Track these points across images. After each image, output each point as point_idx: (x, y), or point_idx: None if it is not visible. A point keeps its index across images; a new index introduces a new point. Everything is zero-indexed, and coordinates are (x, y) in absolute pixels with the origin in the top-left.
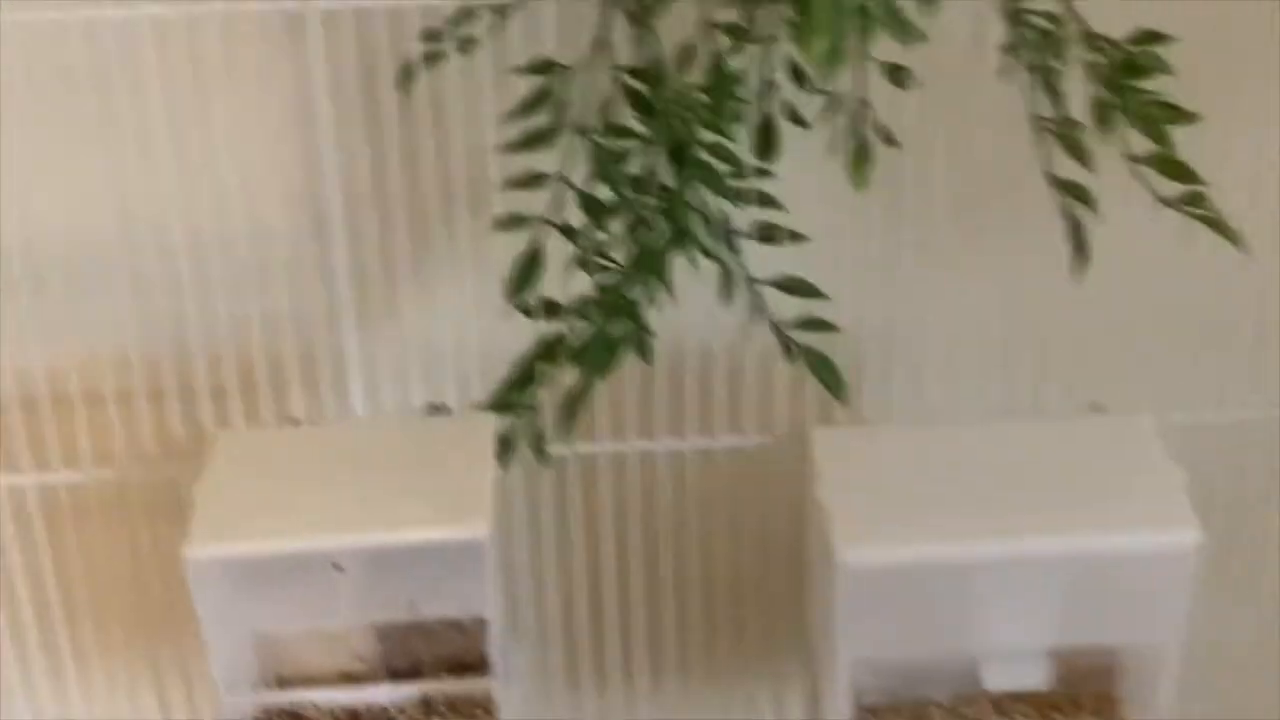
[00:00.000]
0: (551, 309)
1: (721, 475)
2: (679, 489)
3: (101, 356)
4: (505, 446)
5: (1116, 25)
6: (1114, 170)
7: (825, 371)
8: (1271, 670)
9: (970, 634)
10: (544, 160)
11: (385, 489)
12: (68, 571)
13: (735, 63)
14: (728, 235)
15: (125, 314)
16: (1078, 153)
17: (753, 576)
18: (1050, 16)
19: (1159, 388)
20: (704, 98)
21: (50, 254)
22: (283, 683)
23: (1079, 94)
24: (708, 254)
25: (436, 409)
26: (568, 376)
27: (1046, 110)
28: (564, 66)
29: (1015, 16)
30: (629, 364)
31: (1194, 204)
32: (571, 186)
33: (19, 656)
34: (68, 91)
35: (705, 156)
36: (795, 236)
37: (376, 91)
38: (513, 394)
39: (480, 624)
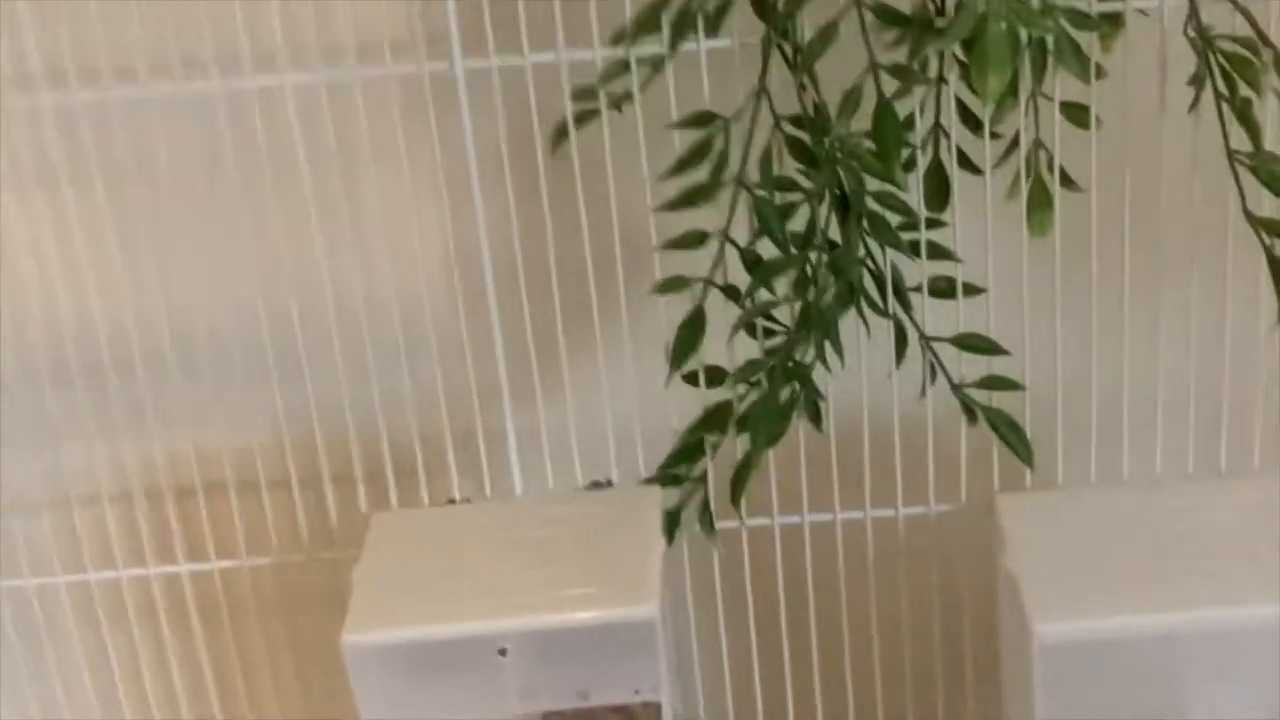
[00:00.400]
0: (716, 376)
1: (902, 547)
2: (858, 562)
3: (254, 442)
4: (672, 521)
5: None
6: None
7: (1010, 434)
8: None
9: (1179, 711)
10: (704, 218)
11: (549, 569)
12: (225, 664)
13: (902, 107)
14: (900, 291)
15: (276, 397)
16: (1276, 187)
17: (939, 655)
18: (1243, 41)
19: None
20: (870, 145)
21: (199, 336)
22: None
23: (1274, 125)
24: (879, 311)
25: (599, 485)
26: (736, 447)
27: (1241, 144)
28: (722, 118)
29: (1206, 45)
30: (801, 432)
31: None
32: (734, 245)
33: None
34: (213, 166)
35: (873, 206)
36: (972, 290)
37: (528, 154)
38: (679, 466)
39: (652, 710)
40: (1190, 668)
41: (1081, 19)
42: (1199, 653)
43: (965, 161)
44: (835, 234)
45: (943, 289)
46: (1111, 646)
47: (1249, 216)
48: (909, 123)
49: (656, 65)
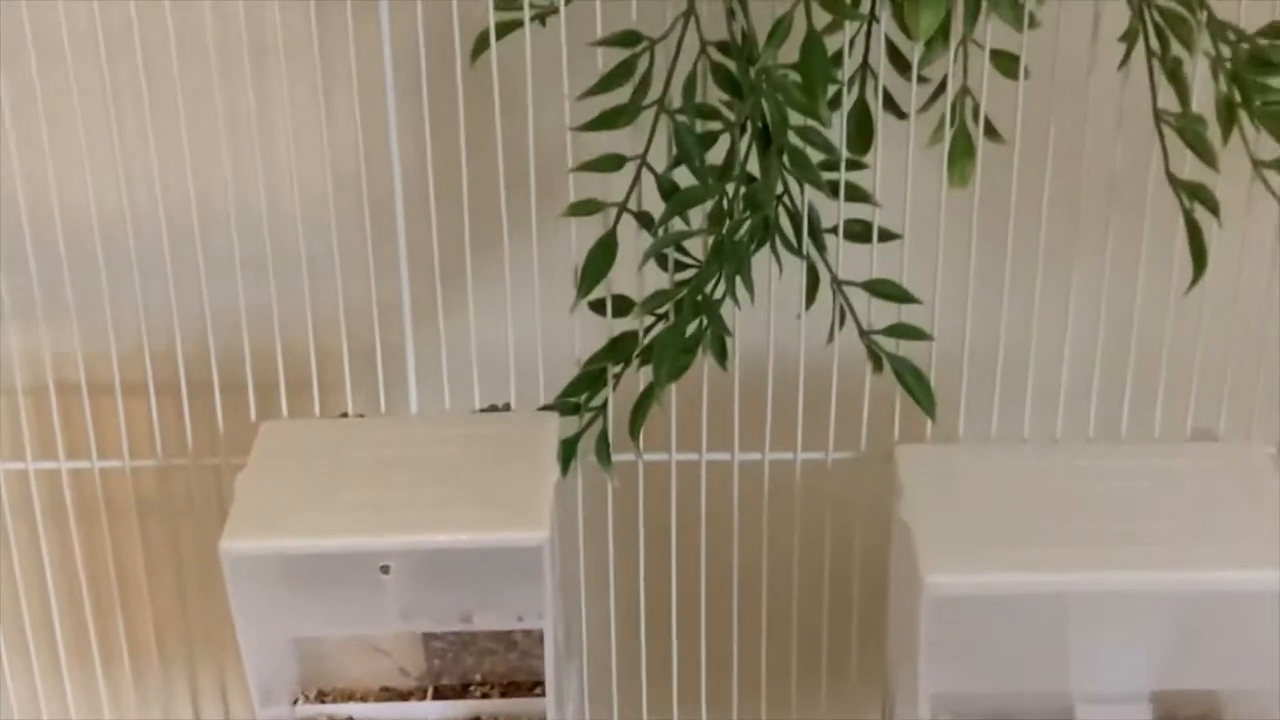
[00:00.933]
0: (623, 306)
1: (799, 492)
2: (753, 505)
3: (144, 345)
4: (568, 451)
5: (1248, 17)
6: (1238, 175)
7: (915, 384)
8: None
9: (1064, 672)
10: (622, 142)
11: (439, 489)
12: (99, 565)
13: (831, 42)
14: (815, 231)
15: (170, 300)
16: (1202, 150)
17: (829, 602)
18: (1178, 1)
19: (1277, 415)
20: (796, 77)
21: (94, 235)
22: (322, 696)
23: (1203, 91)
24: (793, 250)
25: (496, 409)
26: (639, 380)
27: (1169, 105)
28: (648, 39)
29: (1140, 2)
30: (705, 369)
31: None
32: (651, 170)
33: (47, 655)
34: (120, 60)
35: (795, 141)
36: (887, 235)
37: (447, 63)
38: (579, 394)
39: (535, 639)
40: (1078, 629)
41: None
42: (1088, 615)
43: (891, 104)
44: (754, 168)
45: (858, 233)
46: (1001, 603)
47: (1171, 178)
48: (837, 59)
49: None
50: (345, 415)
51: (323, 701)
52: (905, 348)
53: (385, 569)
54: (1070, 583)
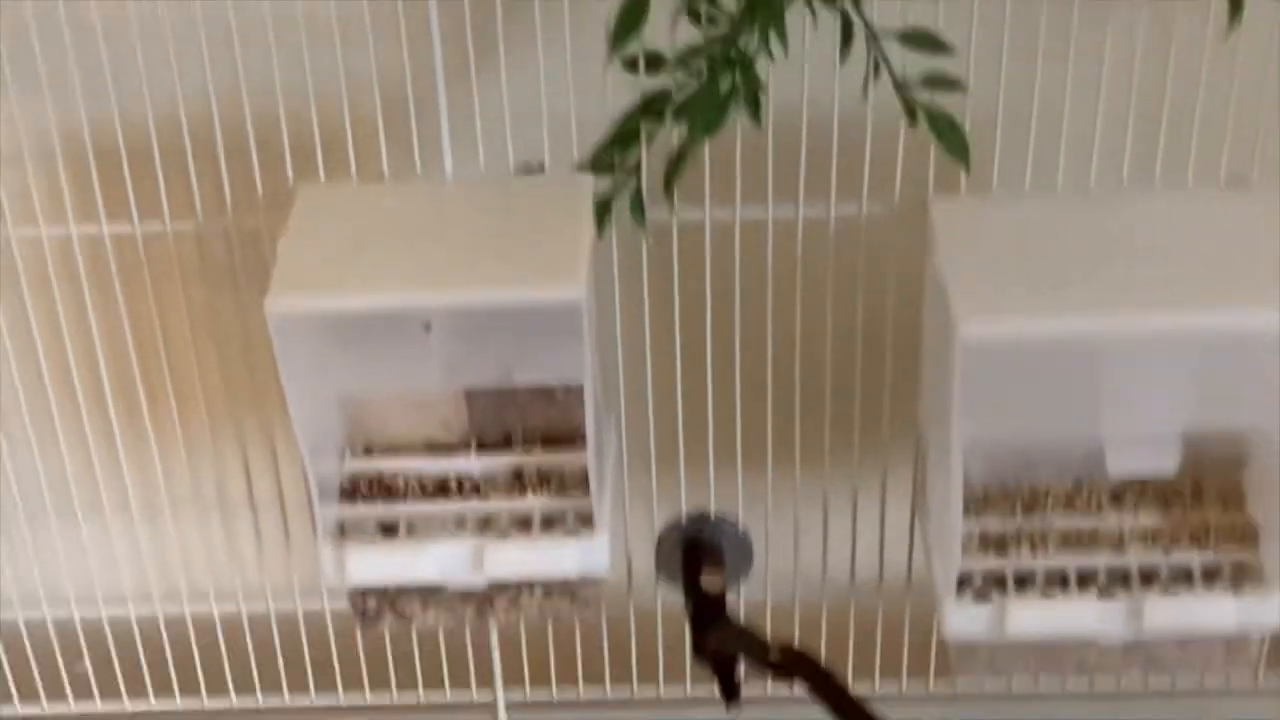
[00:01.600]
0: (656, 62)
1: (834, 247)
2: (788, 260)
3: (179, 109)
4: (603, 209)
5: None
6: None
7: (949, 135)
8: None
9: (1095, 416)
10: None
11: (477, 249)
12: (146, 331)
13: None
14: None
15: (206, 65)
16: None
17: (862, 357)
18: None
19: None
20: None
21: (128, 1)
22: (369, 450)
23: None
24: (827, 1)
25: (531, 169)
26: (672, 135)
27: None
28: None
29: None
30: (738, 125)
31: None
32: None
33: (99, 422)
34: None
35: None
36: None
37: None
38: (612, 153)
39: (574, 394)
40: (1111, 374)
41: None
42: (1121, 359)
43: None
44: None
45: None
46: (1034, 349)
47: None
48: None
49: None
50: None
51: (370, 455)
52: (940, 101)
53: (427, 326)
54: (1104, 328)
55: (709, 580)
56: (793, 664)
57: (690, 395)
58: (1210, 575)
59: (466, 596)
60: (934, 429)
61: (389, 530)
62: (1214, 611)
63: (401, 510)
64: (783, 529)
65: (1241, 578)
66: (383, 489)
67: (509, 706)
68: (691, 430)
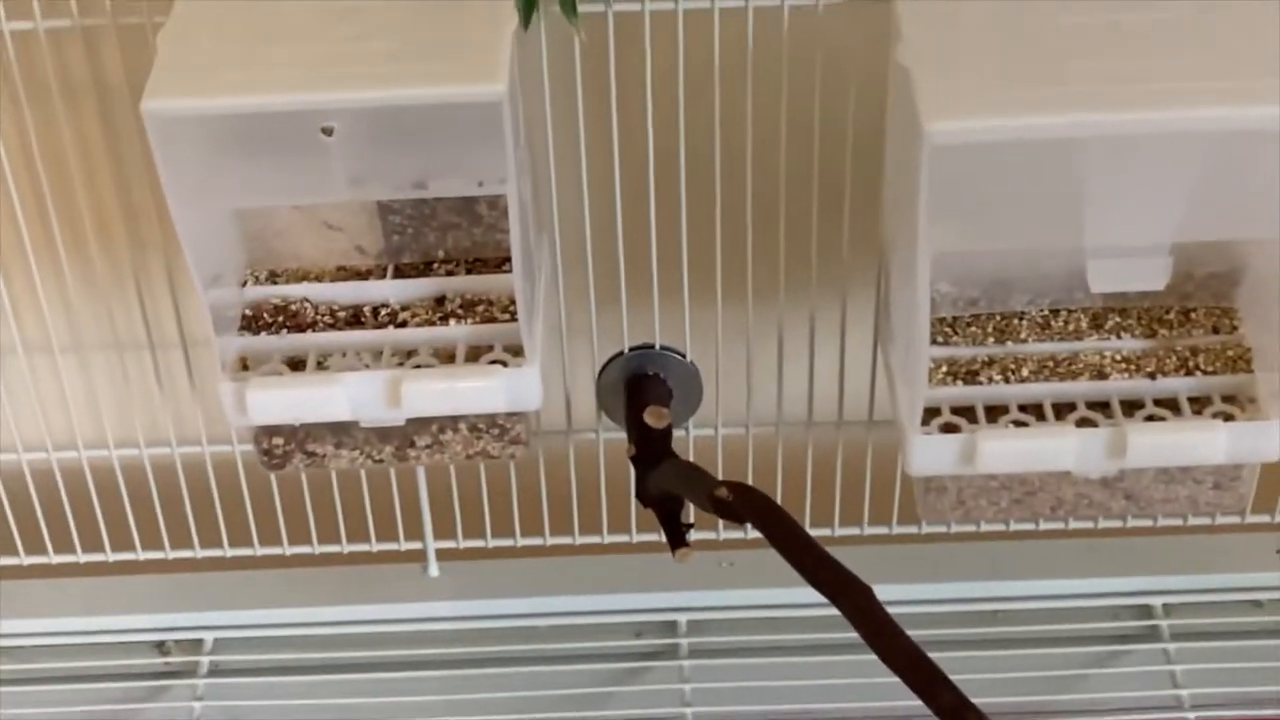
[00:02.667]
0: None
1: (786, 40)
2: (736, 56)
3: None
4: (529, 1)
5: None
6: None
7: None
8: None
9: (1075, 226)
10: None
11: (385, 42)
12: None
13: None
14: None
15: None
16: None
17: (821, 165)
18: None
19: None
20: None
21: None
22: (274, 277)
23: None
24: None
25: None
26: None
27: None
28: None
29: None
30: None
31: None
32: None
33: None
34: None
35: None
36: None
37: None
38: None
39: (499, 209)
40: (1091, 177)
41: None
42: (1102, 160)
43: None
44: None
45: None
46: (1008, 149)
47: None
48: None
49: None
50: None
51: (274, 283)
52: None
53: (328, 130)
54: (1083, 124)
55: (653, 416)
56: (742, 503)
57: (631, 212)
58: (1198, 404)
59: (385, 435)
60: (898, 244)
61: (297, 365)
62: (1202, 442)
63: (309, 341)
64: (734, 360)
65: (1233, 406)
66: (289, 318)
67: (440, 556)
68: (633, 251)
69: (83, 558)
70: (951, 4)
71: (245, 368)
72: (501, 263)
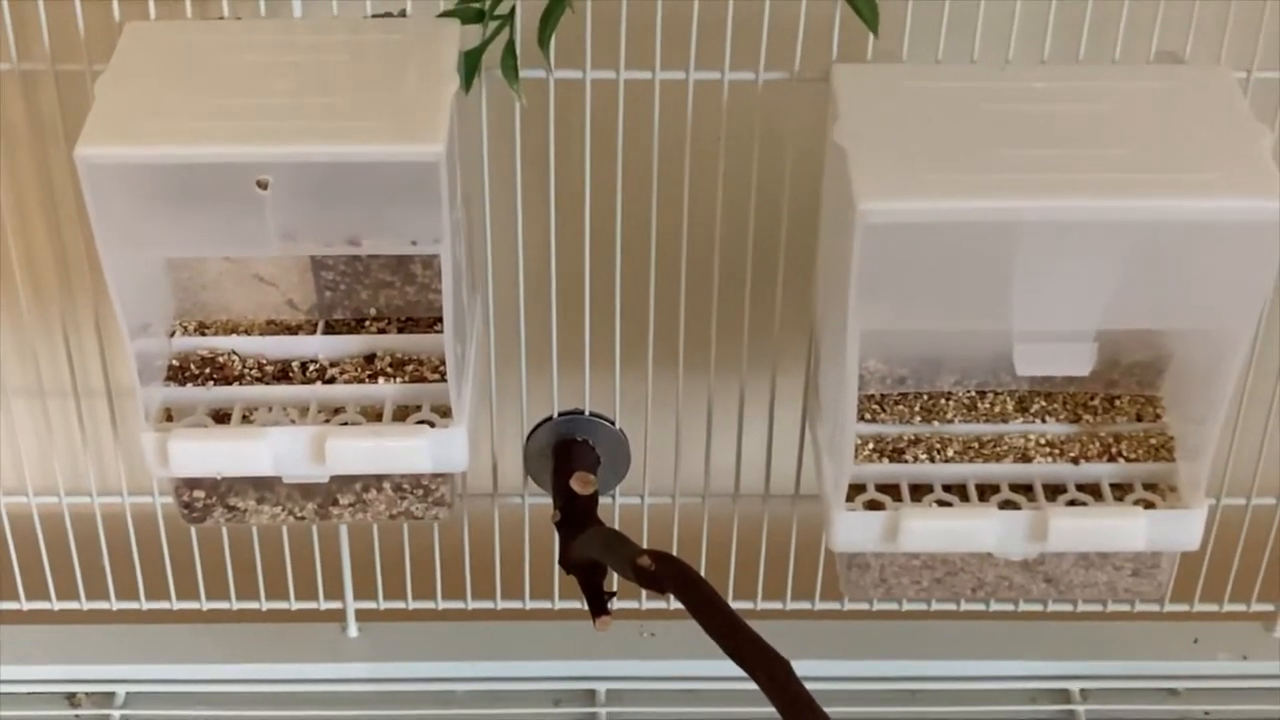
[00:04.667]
0: None
1: (727, 116)
2: (676, 129)
3: None
4: (471, 63)
5: None
6: None
7: None
8: None
9: (1004, 308)
10: None
11: (324, 98)
12: None
13: None
14: None
15: None
16: None
17: (756, 239)
18: None
19: (1246, 39)
20: None
21: None
22: (203, 328)
23: None
24: None
25: (391, 16)
26: None
27: None
28: None
29: None
30: None
31: None
32: None
33: None
34: None
35: None
36: None
37: None
38: (483, 1)
39: (435, 271)
40: (1022, 262)
41: None
42: (1032, 245)
43: None
44: None
45: None
46: (940, 231)
47: None
48: None
49: None
50: (222, 18)
51: (203, 334)
52: None
53: (262, 183)
54: (1015, 210)
55: (579, 482)
56: (664, 572)
57: (566, 277)
58: (1121, 490)
59: (308, 492)
60: (829, 320)
61: (223, 418)
62: (1123, 529)
63: (235, 394)
64: (664, 429)
65: (1154, 494)
66: (216, 370)
67: (360, 616)
68: (567, 316)
69: None
70: (888, 86)
71: (170, 419)
72: (434, 322)
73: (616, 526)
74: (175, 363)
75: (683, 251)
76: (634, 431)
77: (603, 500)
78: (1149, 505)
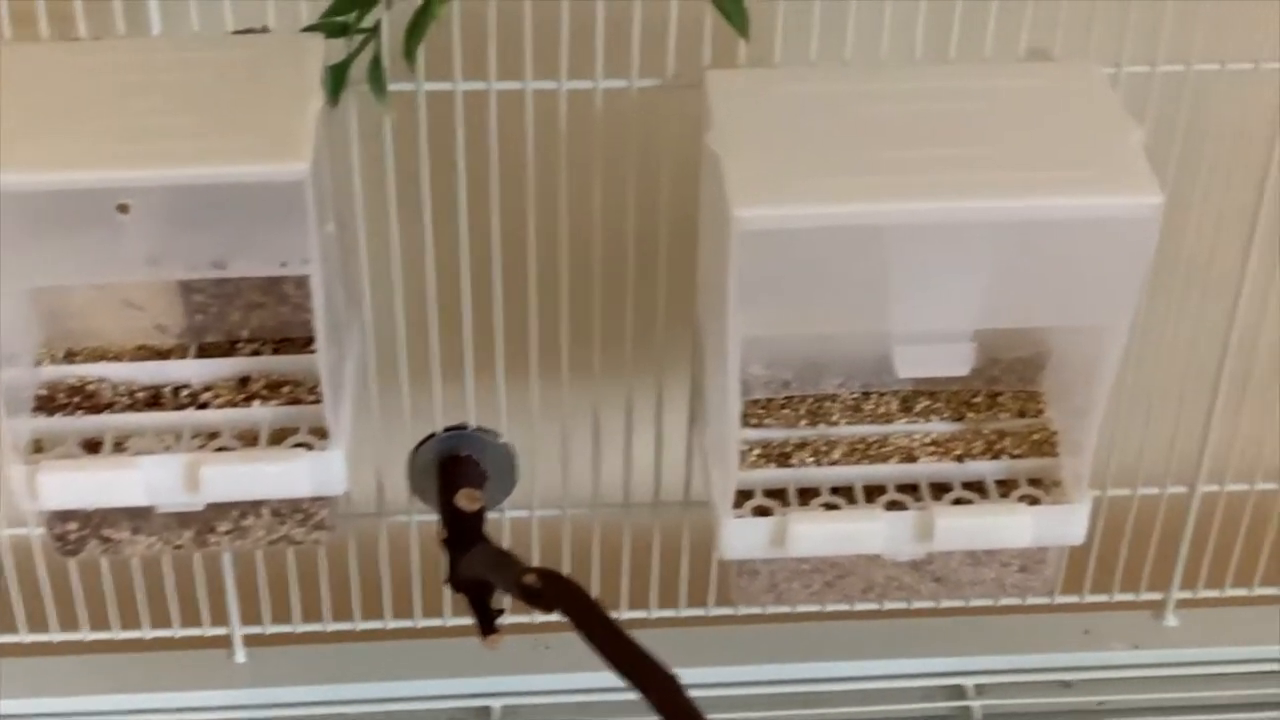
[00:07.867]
0: None
1: (600, 125)
2: (549, 139)
3: None
4: (337, 77)
5: None
6: None
7: (727, 1)
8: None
9: (883, 310)
10: None
11: (184, 118)
12: None
13: None
14: None
15: None
16: None
17: (635, 247)
18: None
19: (1113, 34)
20: None
21: None
22: (71, 356)
23: None
24: None
25: (254, 32)
26: None
27: None
28: None
29: None
30: None
31: None
32: None
33: None
34: None
35: None
36: None
37: None
38: (346, 14)
39: (308, 291)
40: (899, 263)
41: None
42: (909, 247)
43: None
44: None
45: None
46: (817, 236)
47: None
48: None
49: None
50: (77, 39)
51: (71, 362)
52: None
53: (123, 208)
54: (890, 212)
55: (465, 499)
56: (550, 591)
57: (444, 292)
58: (1005, 487)
59: (184, 520)
60: (710, 327)
61: (95, 447)
62: (1008, 525)
63: (106, 422)
64: (551, 440)
65: (1038, 490)
66: (86, 399)
67: (246, 641)
68: (447, 332)
69: None
70: (761, 91)
71: (40, 450)
72: (308, 342)
73: (506, 541)
74: (44, 392)
75: (563, 260)
76: (522, 443)
77: (491, 515)
78: (1034, 501)
